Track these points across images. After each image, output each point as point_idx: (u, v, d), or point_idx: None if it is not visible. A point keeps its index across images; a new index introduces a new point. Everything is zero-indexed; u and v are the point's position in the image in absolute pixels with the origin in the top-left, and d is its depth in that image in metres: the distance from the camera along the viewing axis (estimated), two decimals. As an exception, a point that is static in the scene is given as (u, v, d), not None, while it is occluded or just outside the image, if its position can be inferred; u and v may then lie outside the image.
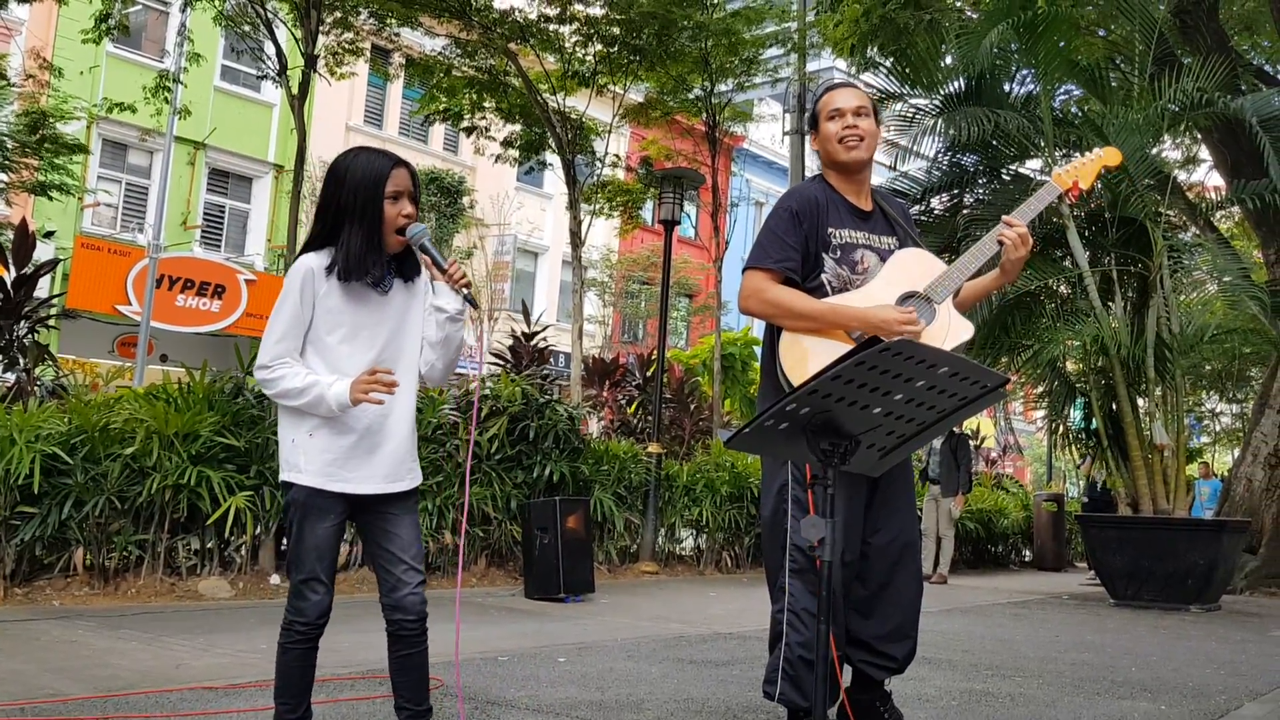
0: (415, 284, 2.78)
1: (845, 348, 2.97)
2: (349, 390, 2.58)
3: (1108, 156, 3.33)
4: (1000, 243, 3.18)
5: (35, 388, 8.33)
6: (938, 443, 11.15)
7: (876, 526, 3.26)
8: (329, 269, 2.64)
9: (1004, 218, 3.19)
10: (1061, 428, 11.42)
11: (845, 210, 3.25)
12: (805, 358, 3.09)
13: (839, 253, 3.19)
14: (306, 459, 2.64)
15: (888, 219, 3.33)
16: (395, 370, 2.68)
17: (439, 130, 23.11)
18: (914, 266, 3.18)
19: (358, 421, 2.66)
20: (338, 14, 10.45)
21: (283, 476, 2.68)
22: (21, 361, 8.28)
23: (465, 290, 2.70)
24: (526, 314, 12.51)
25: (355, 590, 7.00)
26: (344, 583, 6.80)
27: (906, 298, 3.12)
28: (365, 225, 2.63)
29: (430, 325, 2.77)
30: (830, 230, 3.20)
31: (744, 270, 3.26)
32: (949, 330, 3.11)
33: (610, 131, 13.59)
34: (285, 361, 2.63)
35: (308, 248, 2.70)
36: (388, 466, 2.70)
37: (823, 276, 3.17)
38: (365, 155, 2.70)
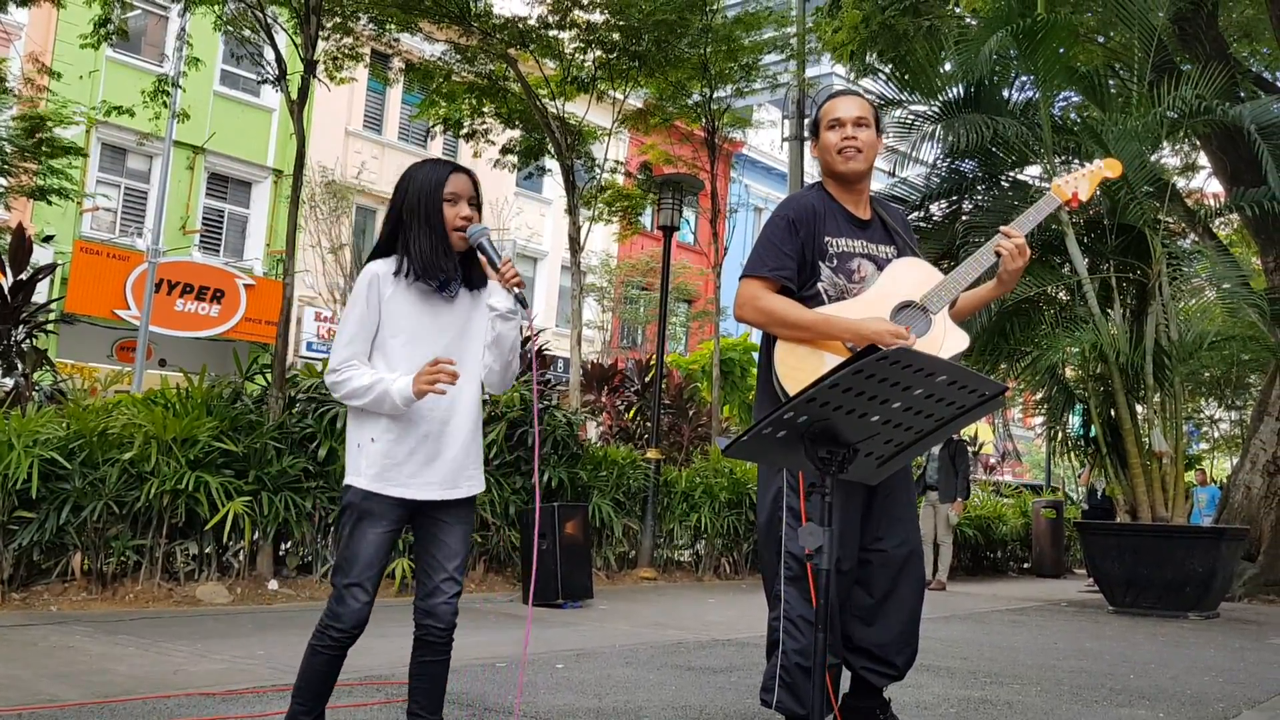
0: (481, 294, 2.83)
1: (839, 358, 3.00)
2: (412, 383, 2.63)
3: (1108, 168, 3.32)
4: (998, 254, 3.15)
5: (34, 392, 8.33)
6: (936, 449, 11.15)
7: (880, 535, 3.25)
8: (395, 273, 2.72)
9: (1001, 229, 3.17)
10: (1060, 434, 11.42)
11: (843, 219, 3.25)
12: (800, 367, 3.09)
13: (836, 261, 3.19)
14: (367, 463, 2.69)
15: (886, 227, 3.32)
16: (461, 375, 2.72)
17: (438, 134, 23.14)
18: (911, 275, 3.17)
19: (418, 428, 2.70)
20: (337, 19, 10.45)
21: (347, 479, 2.74)
22: (20, 366, 8.28)
23: (517, 289, 2.72)
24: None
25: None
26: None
27: (903, 307, 3.12)
28: (429, 227, 2.71)
29: (487, 326, 2.82)
30: (827, 239, 3.20)
31: (740, 278, 3.25)
32: (944, 341, 3.11)
33: (610, 137, 13.59)
34: (353, 364, 2.69)
35: (373, 256, 2.79)
36: (445, 473, 2.74)
37: (819, 285, 3.17)
38: (428, 164, 2.81)
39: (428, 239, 2.70)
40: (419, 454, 2.70)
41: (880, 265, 3.24)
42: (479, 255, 2.75)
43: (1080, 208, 9.72)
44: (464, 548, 2.79)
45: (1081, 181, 3.27)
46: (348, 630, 2.67)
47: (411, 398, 2.63)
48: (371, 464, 2.68)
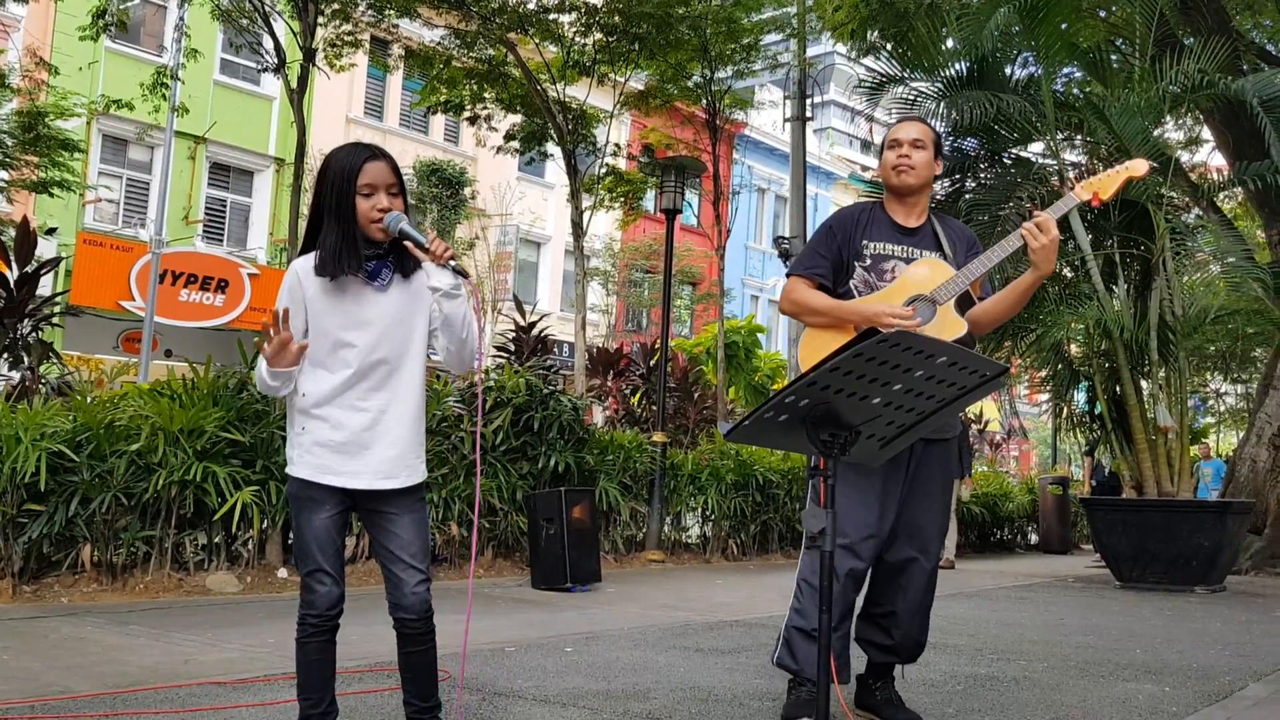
0: (416, 279, 2.76)
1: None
2: (270, 362, 2.62)
3: (1134, 168, 3.36)
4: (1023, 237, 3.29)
5: (40, 385, 8.35)
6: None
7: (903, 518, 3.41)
8: (316, 268, 2.68)
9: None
10: (1066, 411, 11.42)
11: (887, 226, 3.54)
12: (819, 351, 3.31)
13: (870, 262, 3.49)
14: (299, 453, 2.69)
15: (935, 236, 3.54)
16: (397, 366, 2.70)
17: (439, 121, 23.09)
18: (927, 273, 3.41)
19: (350, 418, 2.66)
20: (335, 6, 10.42)
21: (287, 469, 2.74)
22: (26, 359, 8.29)
23: (452, 262, 2.67)
24: (520, 306, 12.51)
25: (363, 582, 7.03)
26: (351, 575, 6.82)
27: (915, 299, 3.36)
28: (340, 222, 2.65)
29: (435, 310, 2.77)
30: (865, 242, 3.50)
31: (785, 276, 3.65)
32: (942, 329, 3.30)
33: (611, 120, 13.57)
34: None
35: (304, 250, 2.75)
36: (379, 463, 2.68)
37: (851, 283, 3.49)
38: (344, 151, 2.72)
39: (336, 234, 2.65)
40: (351, 444, 2.66)
41: None
42: (405, 243, 2.69)
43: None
44: (418, 535, 2.72)
45: (1104, 182, 3.34)
46: (322, 613, 2.67)
47: (270, 370, 2.62)
48: (304, 454, 2.67)
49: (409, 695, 2.78)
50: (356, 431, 2.66)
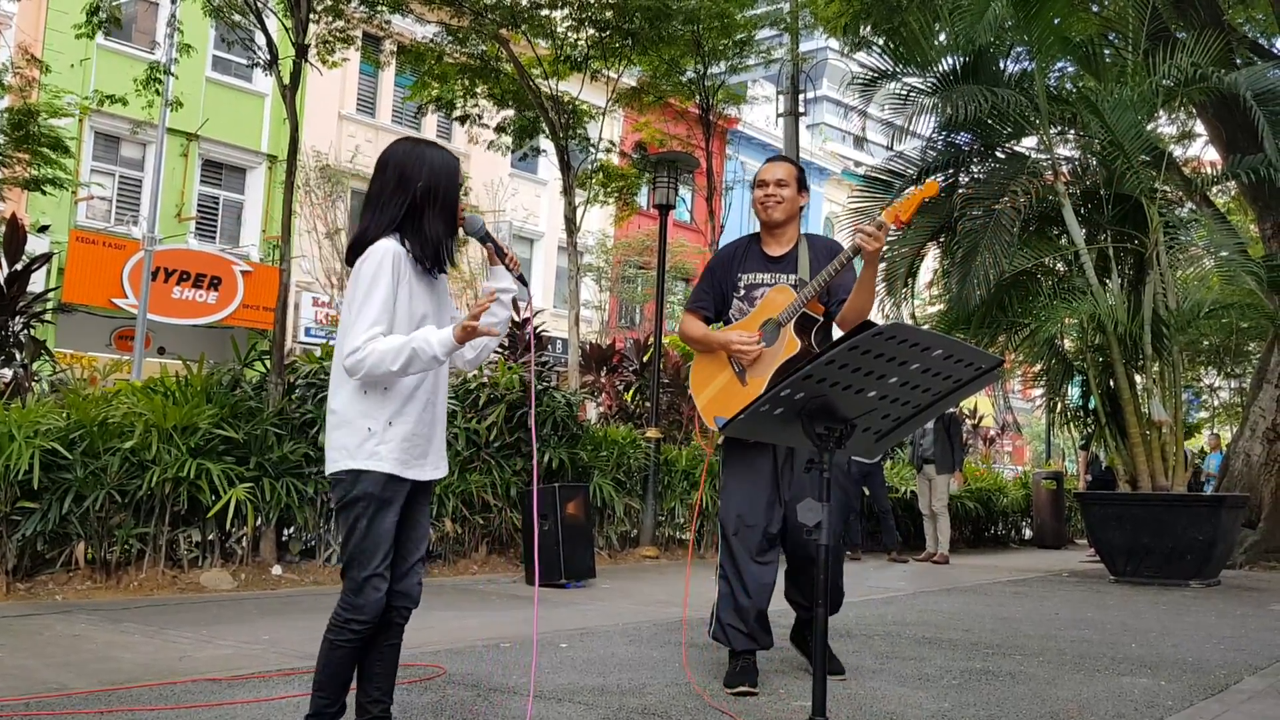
0: (441, 278, 2.85)
1: (721, 364, 3.95)
2: (454, 329, 2.58)
3: (926, 190, 3.79)
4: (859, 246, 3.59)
5: (33, 383, 8.32)
6: (930, 423, 11.18)
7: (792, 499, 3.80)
8: (415, 255, 2.68)
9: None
10: (1060, 406, 11.43)
11: (758, 257, 4.09)
12: (700, 371, 4.05)
13: (743, 292, 4.06)
14: (388, 448, 2.62)
15: (796, 261, 4.01)
16: None
17: (431, 117, 23.05)
18: (776, 298, 3.93)
19: (416, 407, 2.69)
20: (328, 2, 10.38)
21: (355, 465, 2.61)
22: (18, 357, 8.26)
23: (519, 272, 2.82)
24: (514, 302, 12.51)
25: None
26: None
27: (765, 324, 3.90)
28: (445, 212, 2.70)
29: (461, 307, 2.90)
30: (740, 274, 4.08)
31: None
32: (779, 349, 3.83)
33: (604, 116, 13.54)
34: (374, 337, 2.58)
35: (379, 233, 2.68)
36: (435, 455, 2.78)
37: (730, 313, 4.07)
38: (436, 148, 2.76)
39: (443, 224, 2.69)
40: (423, 435, 2.71)
41: None
42: (483, 244, 2.76)
43: (1076, 177, 9.67)
44: (428, 527, 2.86)
45: (902, 205, 3.65)
46: (370, 619, 2.63)
47: (454, 344, 2.56)
48: (391, 448, 2.62)
49: (377, 694, 2.75)
50: (426, 423, 2.73)
